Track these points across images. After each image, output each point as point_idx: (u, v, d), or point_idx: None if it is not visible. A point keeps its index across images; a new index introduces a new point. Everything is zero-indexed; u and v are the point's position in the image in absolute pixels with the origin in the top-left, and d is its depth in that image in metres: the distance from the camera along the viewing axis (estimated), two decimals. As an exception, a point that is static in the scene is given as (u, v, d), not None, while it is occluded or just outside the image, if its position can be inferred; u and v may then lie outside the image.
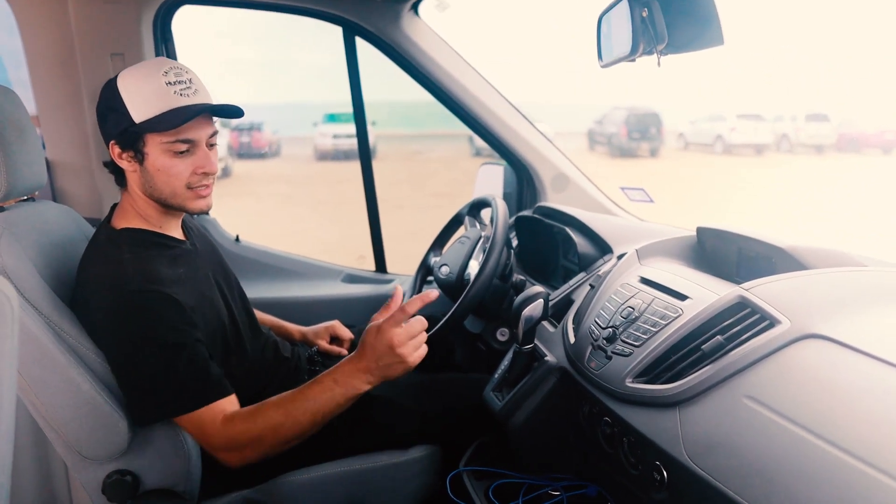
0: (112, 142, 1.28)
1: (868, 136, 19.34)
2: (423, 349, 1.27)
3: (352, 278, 2.30)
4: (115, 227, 1.32)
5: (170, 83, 1.24)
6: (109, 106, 1.26)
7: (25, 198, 1.41)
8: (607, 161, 18.25)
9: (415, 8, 1.97)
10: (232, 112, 1.30)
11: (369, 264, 2.38)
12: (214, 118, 1.31)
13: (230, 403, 1.25)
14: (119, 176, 1.33)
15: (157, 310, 1.20)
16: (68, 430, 1.20)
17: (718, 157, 18.74)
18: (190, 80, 1.26)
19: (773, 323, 0.95)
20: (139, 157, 1.27)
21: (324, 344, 1.71)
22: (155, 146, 1.25)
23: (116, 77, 1.26)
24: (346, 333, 1.74)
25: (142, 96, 1.23)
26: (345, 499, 1.38)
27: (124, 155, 1.28)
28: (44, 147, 1.84)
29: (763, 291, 1.00)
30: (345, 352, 1.67)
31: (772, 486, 0.80)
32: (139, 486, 1.28)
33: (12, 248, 1.19)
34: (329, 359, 1.63)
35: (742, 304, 1.01)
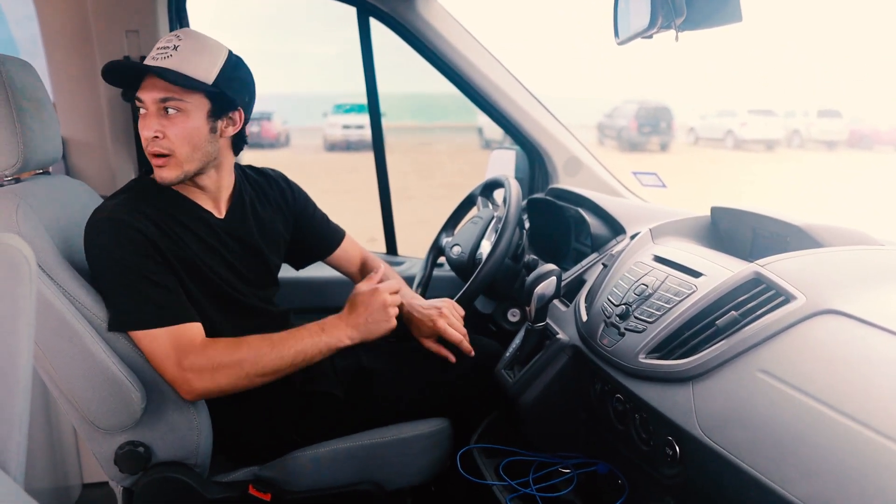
0: None
1: (881, 134, 19.22)
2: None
3: None
4: None
5: (157, 48, 1.26)
6: None
7: (41, 171, 1.42)
8: (617, 155, 18.17)
9: (430, -11, 1.96)
10: (166, 74, 1.22)
11: (379, 246, 2.39)
12: (172, 89, 1.24)
13: (202, 331, 1.28)
14: None
15: (125, 234, 1.24)
16: (82, 401, 1.21)
17: (729, 151, 18.63)
18: (175, 47, 1.24)
19: (788, 299, 0.94)
20: None
21: None
22: None
23: None
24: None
25: None
26: (355, 474, 1.39)
27: None
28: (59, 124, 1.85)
29: (778, 268, 1.00)
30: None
31: (785, 458, 0.80)
32: (151, 458, 1.29)
33: (29, 217, 1.20)
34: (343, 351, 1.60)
35: (757, 280, 1.00)
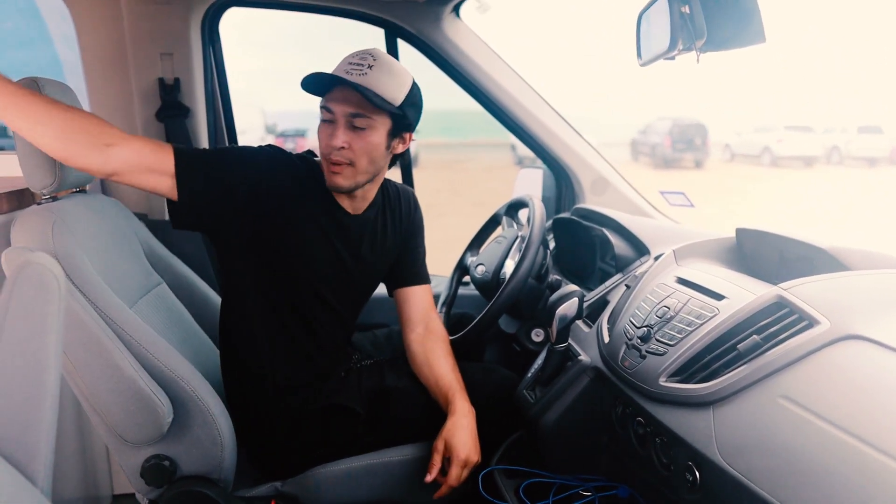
0: None
1: (926, 150, 18.69)
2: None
3: None
4: None
5: (350, 62, 1.32)
6: None
7: (77, 189, 1.47)
8: (650, 172, 18.00)
9: (456, 10, 1.98)
10: (366, 92, 1.28)
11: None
12: (365, 106, 1.30)
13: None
14: None
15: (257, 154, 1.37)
16: (110, 414, 1.24)
17: (765, 168, 18.33)
18: (370, 66, 1.31)
19: (811, 323, 0.93)
20: None
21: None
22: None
23: None
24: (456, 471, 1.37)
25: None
26: (375, 491, 1.40)
27: None
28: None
29: (802, 291, 0.98)
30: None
31: (805, 487, 0.78)
32: (176, 472, 1.31)
33: (64, 235, 1.24)
34: (370, 370, 1.59)
35: (780, 304, 0.99)
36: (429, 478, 1.32)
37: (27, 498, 0.76)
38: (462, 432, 1.34)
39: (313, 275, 1.41)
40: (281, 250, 1.37)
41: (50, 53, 2.10)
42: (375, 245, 1.50)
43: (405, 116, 1.35)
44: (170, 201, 1.31)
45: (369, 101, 1.28)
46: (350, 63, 1.31)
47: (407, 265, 1.60)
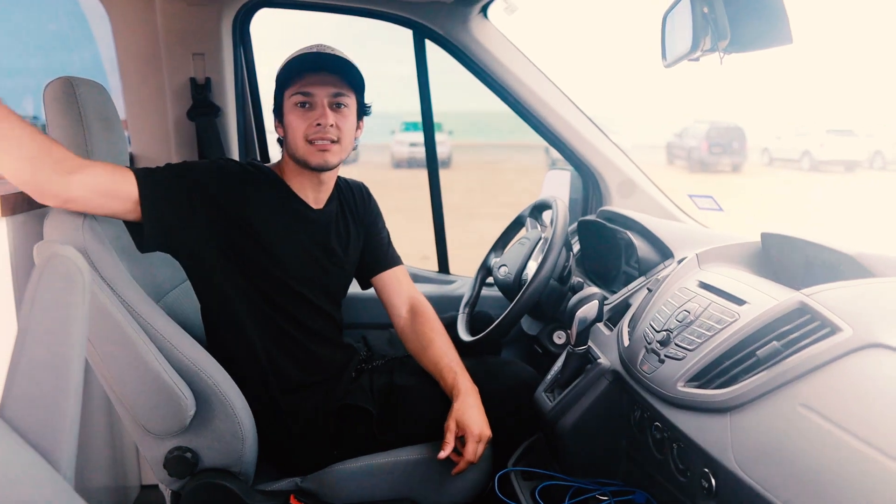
0: (275, 121, 1.47)
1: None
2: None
3: (415, 277, 2.32)
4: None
5: (317, 48, 1.42)
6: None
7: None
8: (686, 175, 17.75)
9: (484, 11, 1.98)
10: (350, 65, 1.40)
11: (432, 265, 2.41)
12: (343, 86, 1.41)
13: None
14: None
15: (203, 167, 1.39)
16: (135, 406, 1.27)
17: (805, 173, 17.93)
18: (332, 51, 1.42)
19: (833, 330, 0.91)
20: (282, 120, 1.44)
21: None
22: (287, 104, 1.41)
23: None
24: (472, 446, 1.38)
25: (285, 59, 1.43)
26: (393, 490, 1.40)
27: (279, 127, 1.45)
28: (129, 143, 1.96)
29: (825, 297, 0.96)
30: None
31: (823, 499, 0.77)
32: (198, 464, 1.34)
33: (94, 231, 1.28)
34: (380, 369, 1.61)
35: (802, 310, 0.97)
36: (442, 455, 1.34)
37: (51, 484, 0.78)
38: (471, 410, 1.37)
39: (287, 272, 1.43)
40: (254, 254, 1.40)
41: (93, 52, 2.15)
42: (341, 237, 1.56)
43: (363, 102, 1.49)
44: (133, 226, 1.32)
45: (346, 82, 1.41)
46: (319, 48, 1.42)
47: (374, 252, 1.65)
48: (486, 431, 1.37)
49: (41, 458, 0.80)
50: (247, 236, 1.38)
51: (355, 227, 1.61)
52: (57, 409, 0.82)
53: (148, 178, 1.29)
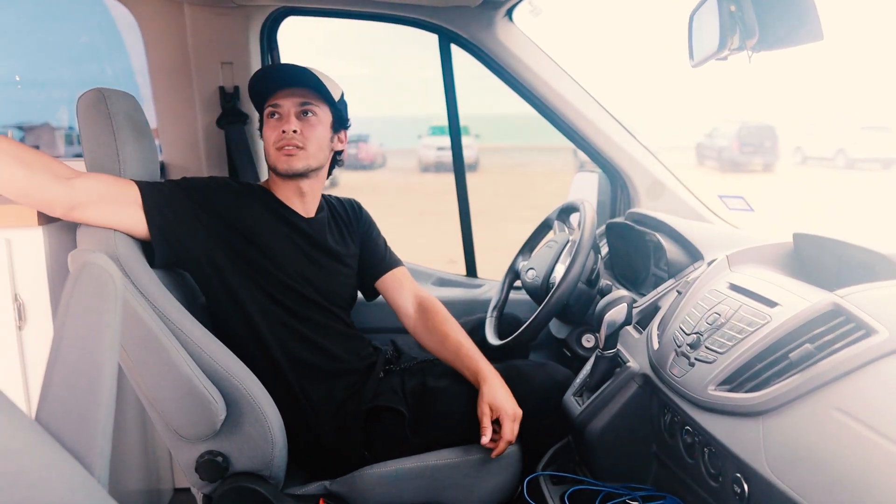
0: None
1: None
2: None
3: (442, 282, 2.33)
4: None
5: (288, 66, 1.50)
6: None
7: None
8: (716, 176, 17.49)
9: (509, 14, 1.98)
10: (312, 77, 1.46)
11: (459, 268, 2.41)
12: (311, 97, 1.49)
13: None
14: None
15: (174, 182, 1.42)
16: (166, 410, 1.29)
17: (839, 171, 17.55)
18: (304, 68, 1.48)
19: (868, 332, 0.89)
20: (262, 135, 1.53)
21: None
22: (265, 119, 1.51)
23: None
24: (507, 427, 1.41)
25: None
26: (421, 493, 1.40)
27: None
28: (160, 151, 1.99)
29: (860, 299, 0.94)
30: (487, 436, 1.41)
31: (858, 504, 0.75)
32: (229, 468, 1.35)
33: (127, 238, 1.31)
34: (412, 371, 1.61)
35: (836, 312, 0.95)
36: (484, 440, 1.36)
37: (85, 486, 0.80)
38: (500, 392, 1.41)
39: (292, 277, 1.47)
40: (255, 257, 1.44)
41: (125, 64, 2.20)
42: (337, 238, 1.61)
43: (342, 113, 1.56)
44: (140, 243, 1.35)
45: (314, 91, 1.48)
46: (288, 65, 1.50)
47: (372, 258, 1.69)
48: (518, 410, 1.40)
49: (76, 462, 0.82)
50: (247, 241, 1.43)
51: (350, 235, 1.66)
52: (91, 413, 0.84)
53: (151, 188, 1.34)
